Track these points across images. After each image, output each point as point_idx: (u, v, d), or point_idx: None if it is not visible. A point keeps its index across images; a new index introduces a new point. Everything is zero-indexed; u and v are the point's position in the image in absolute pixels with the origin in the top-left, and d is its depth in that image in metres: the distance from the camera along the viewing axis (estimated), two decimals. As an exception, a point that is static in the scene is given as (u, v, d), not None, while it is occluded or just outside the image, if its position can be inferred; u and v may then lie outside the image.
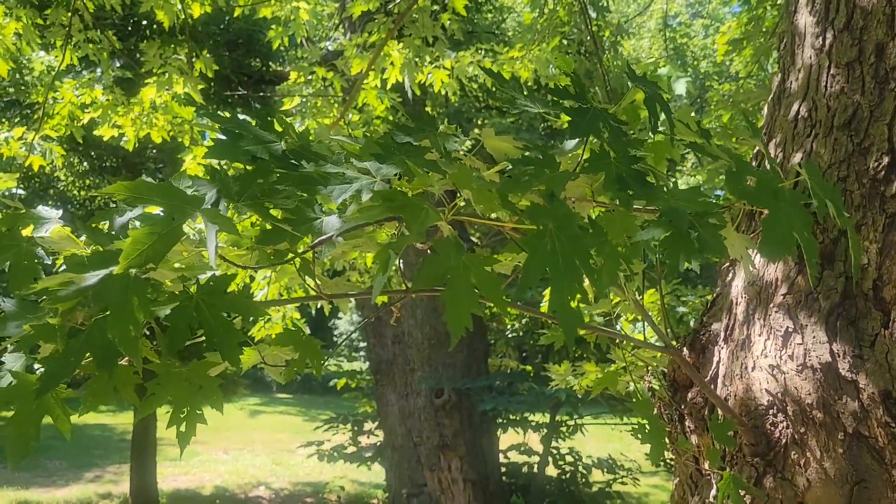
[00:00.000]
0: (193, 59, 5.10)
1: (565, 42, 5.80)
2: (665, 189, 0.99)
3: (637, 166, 1.01)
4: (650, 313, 4.12)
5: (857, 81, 2.22)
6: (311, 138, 1.26)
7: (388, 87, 5.49)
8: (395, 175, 0.97)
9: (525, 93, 1.22)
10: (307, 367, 1.37)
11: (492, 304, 1.10)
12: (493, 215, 1.18)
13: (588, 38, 5.12)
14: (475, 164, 1.39)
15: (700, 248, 0.92)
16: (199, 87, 5.05)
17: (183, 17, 4.97)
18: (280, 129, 1.20)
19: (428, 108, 14.10)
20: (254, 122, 1.21)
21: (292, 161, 1.00)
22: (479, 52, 5.87)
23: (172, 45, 5.23)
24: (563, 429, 12.69)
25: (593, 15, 5.22)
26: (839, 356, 1.98)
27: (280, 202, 0.97)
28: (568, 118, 1.12)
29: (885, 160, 2.08)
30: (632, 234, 0.95)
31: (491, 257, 0.92)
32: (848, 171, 2.15)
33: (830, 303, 2.05)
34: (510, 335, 14.83)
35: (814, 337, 2.03)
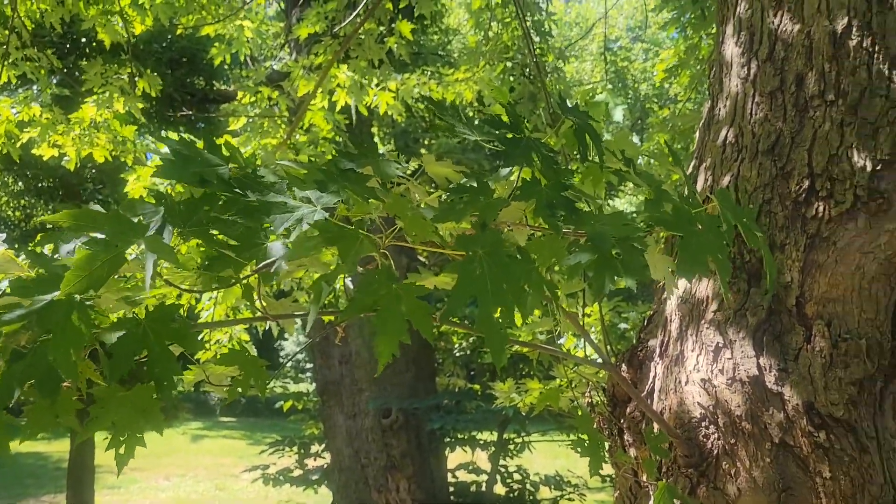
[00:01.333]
0: (136, 78, 5.06)
1: (510, 65, 5.93)
2: (592, 214, 1.05)
3: (567, 193, 1.07)
4: (594, 329, 4.22)
5: (779, 109, 2.35)
6: (258, 162, 1.29)
7: (338, 109, 5.52)
8: (336, 203, 1.01)
9: (464, 120, 1.27)
10: (251, 387, 1.39)
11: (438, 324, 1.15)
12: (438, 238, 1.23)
13: (531, 61, 5.25)
14: (417, 189, 1.44)
15: (623, 271, 0.99)
16: (141, 106, 5.00)
17: (125, 35, 4.92)
18: (227, 153, 1.23)
19: (374, 129, 14.15)
20: (200, 144, 1.24)
21: (236, 189, 1.03)
22: (425, 74, 5.96)
23: (115, 64, 5.17)
24: (511, 446, 12.76)
25: (536, 39, 5.35)
26: (766, 370, 2.08)
27: (225, 229, 1.00)
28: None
29: (806, 184, 2.20)
30: (560, 258, 1.01)
31: (421, 287, 0.96)
32: (772, 193, 2.27)
33: (757, 319, 2.15)
34: (458, 353, 14.87)
35: (742, 351, 2.13)
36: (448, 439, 12.21)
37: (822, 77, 2.29)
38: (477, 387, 13.92)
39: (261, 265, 1.07)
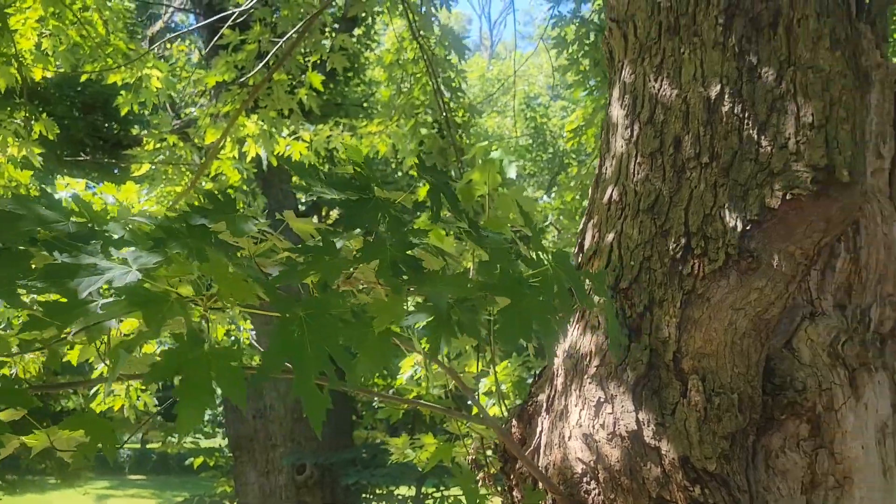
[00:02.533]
0: (32, 122, 4.90)
1: (422, 119, 6.02)
2: (435, 275, 1.05)
3: (412, 252, 1.07)
4: (503, 384, 4.20)
5: (658, 170, 2.44)
6: (112, 216, 1.25)
7: (248, 159, 5.47)
8: (157, 263, 0.98)
9: (322, 179, 1.27)
10: (99, 450, 1.32)
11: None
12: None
13: (441, 116, 5.34)
14: (281, 243, 1.42)
15: (460, 331, 0.99)
16: (38, 151, 4.83)
17: (20, 80, 4.77)
18: (76, 208, 1.19)
19: (294, 179, 14.09)
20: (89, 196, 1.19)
21: (56, 246, 0.99)
22: (338, 125, 5.98)
23: (9, 108, 5.00)
24: (430, 501, 12.56)
25: (447, 95, 5.46)
26: (644, 424, 2.12)
27: (37, 289, 0.96)
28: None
29: (682, 242, 2.28)
30: (399, 318, 1.00)
31: (234, 351, 0.93)
32: (652, 251, 2.34)
33: (637, 374, 2.19)
34: (377, 406, 14.66)
35: (622, 406, 2.16)
36: (365, 495, 11.94)
37: (697, 140, 2.39)
38: (397, 441, 13.68)
39: (77, 329, 1.03)
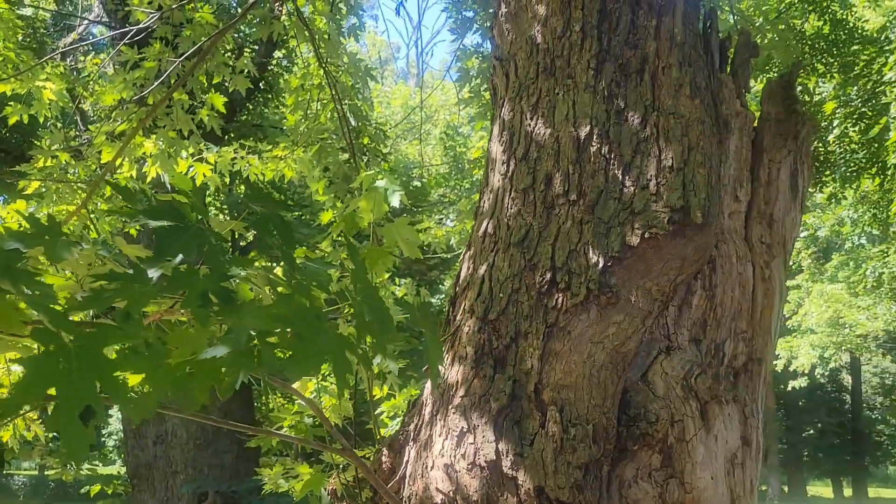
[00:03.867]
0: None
1: (333, 144, 6.02)
2: (247, 306, 1.06)
3: (227, 283, 1.08)
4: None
5: (530, 205, 2.51)
6: None
7: (148, 179, 5.35)
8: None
9: (145, 206, 1.26)
10: None
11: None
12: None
13: (347, 143, 5.35)
14: (117, 267, 1.40)
15: (259, 365, 1.00)
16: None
17: None
18: None
19: (209, 198, 13.79)
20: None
21: None
22: (243, 147, 5.92)
23: None
24: (337, 530, 12.32)
25: (353, 122, 5.49)
26: (504, 454, 2.16)
27: None
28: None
29: (548, 276, 2.35)
30: (200, 350, 1.01)
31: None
32: (520, 283, 2.40)
33: (500, 404, 2.24)
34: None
35: (483, 436, 2.20)
36: (270, 524, 11.62)
37: (567, 178, 2.48)
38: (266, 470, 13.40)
39: None
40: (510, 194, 2.59)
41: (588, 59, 2.62)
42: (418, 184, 14.85)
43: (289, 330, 1.01)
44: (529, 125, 2.65)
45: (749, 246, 2.58)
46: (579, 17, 2.66)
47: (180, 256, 1.05)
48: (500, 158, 2.72)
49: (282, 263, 1.14)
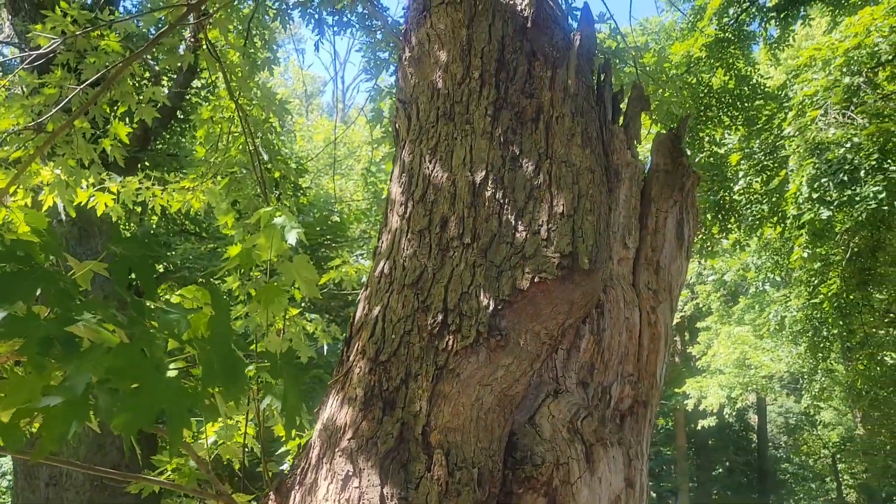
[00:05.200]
0: None
1: (244, 178, 5.94)
2: (91, 351, 1.03)
3: (72, 328, 1.04)
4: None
5: (426, 246, 2.53)
6: None
7: (45, 208, 5.15)
8: None
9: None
10: None
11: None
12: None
13: (258, 177, 5.29)
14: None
15: (98, 415, 0.97)
16: None
17: None
18: None
19: (125, 230, 13.34)
20: None
21: None
22: (148, 178, 5.77)
23: None
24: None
25: (265, 156, 5.44)
26: (388, 498, 2.13)
27: None
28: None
29: (440, 318, 2.36)
30: (35, 399, 0.96)
31: None
32: (412, 325, 2.40)
33: (387, 447, 2.22)
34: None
35: (369, 480, 2.17)
36: (171, 570, 11.11)
37: (461, 221, 2.51)
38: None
39: None
40: (407, 235, 2.60)
41: (486, 105, 2.68)
42: (337, 218, 14.78)
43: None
44: (428, 168, 2.68)
45: (636, 292, 2.67)
46: (478, 64, 2.73)
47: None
48: (399, 199, 2.74)
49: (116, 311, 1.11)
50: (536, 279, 2.35)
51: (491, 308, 2.33)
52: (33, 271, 1.09)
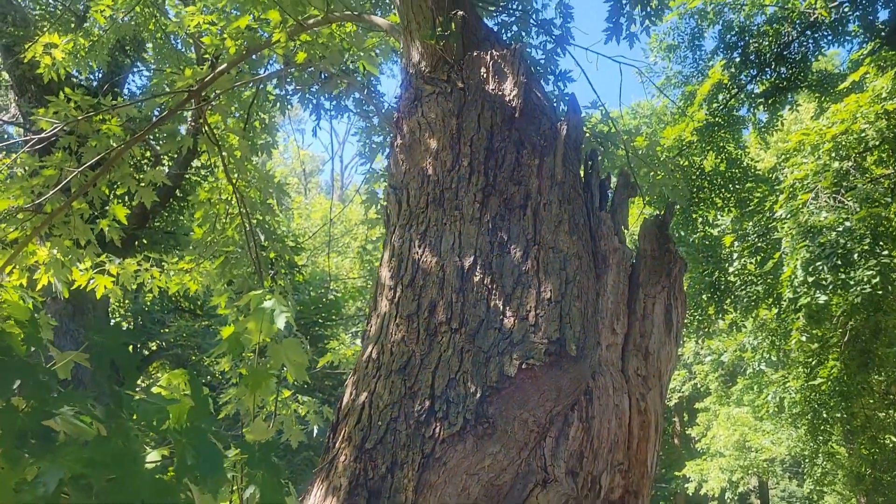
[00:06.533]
0: None
1: (240, 258, 5.97)
2: (65, 447, 1.02)
3: (48, 422, 1.04)
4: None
5: (414, 331, 2.54)
6: None
7: (38, 287, 5.16)
8: None
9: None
10: None
11: None
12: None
13: (253, 258, 5.32)
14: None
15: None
16: None
17: None
18: None
19: (119, 308, 13.31)
20: None
21: None
22: (147, 259, 5.81)
23: None
24: None
25: (261, 237, 5.49)
26: None
27: None
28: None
29: (427, 404, 2.35)
30: (6, 495, 0.95)
31: None
32: (399, 412, 2.38)
33: (371, 539, 2.17)
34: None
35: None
36: None
37: (450, 306, 2.53)
38: None
39: None
40: (395, 320, 2.61)
41: (475, 192, 2.73)
42: (333, 297, 14.77)
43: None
44: (417, 253, 2.71)
45: (626, 378, 2.65)
46: (468, 152, 2.80)
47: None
48: (389, 284, 2.75)
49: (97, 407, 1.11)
50: (524, 365, 2.34)
51: (478, 395, 2.32)
52: (12, 363, 1.09)
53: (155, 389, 1.59)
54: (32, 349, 1.15)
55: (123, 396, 1.12)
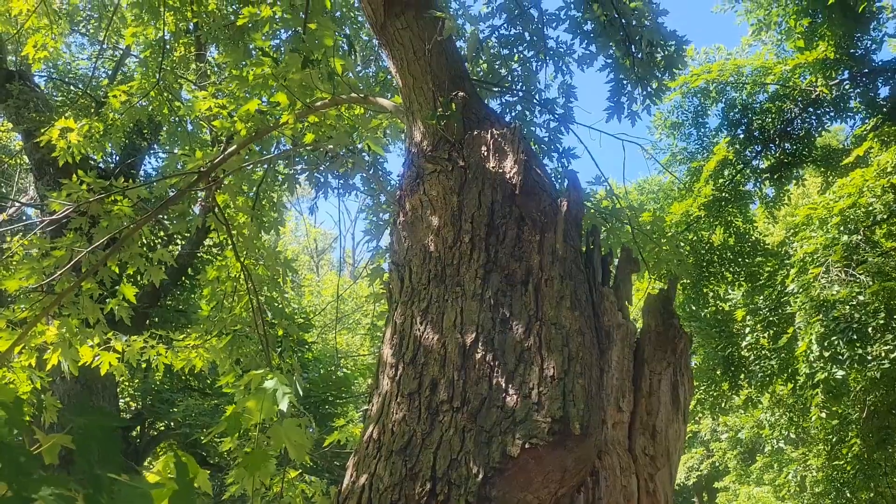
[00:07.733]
0: None
1: (247, 336, 5.96)
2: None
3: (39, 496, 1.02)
4: None
5: (415, 410, 2.50)
6: None
7: (48, 367, 5.16)
8: None
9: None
10: None
11: None
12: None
13: (261, 336, 5.31)
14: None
15: None
16: None
17: None
18: None
19: (127, 387, 13.25)
20: None
21: None
22: (154, 336, 5.81)
23: None
24: None
25: (269, 315, 5.49)
26: None
27: None
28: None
29: (428, 486, 2.29)
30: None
31: None
32: (399, 494, 2.32)
33: None
34: None
35: None
36: None
37: (451, 385, 2.49)
38: None
39: None
40: (396, 399, 2.58)
41: (476, 268, 2.73)
42: (342, 374, 14.65)
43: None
44: (419, 329, 2.70)
45: (633, 457, 2.59)
46: (469, 229, 2.82)
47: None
48: (390, 362, 2.73)
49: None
50: (527, 445, 2.29)
51: (480, 476, 2.26)
52: (-8, 441, 1.08)
53: (152, 472, 1.55)
54: (15, 431, 1.14)
55: (103, 480, 1.10)
